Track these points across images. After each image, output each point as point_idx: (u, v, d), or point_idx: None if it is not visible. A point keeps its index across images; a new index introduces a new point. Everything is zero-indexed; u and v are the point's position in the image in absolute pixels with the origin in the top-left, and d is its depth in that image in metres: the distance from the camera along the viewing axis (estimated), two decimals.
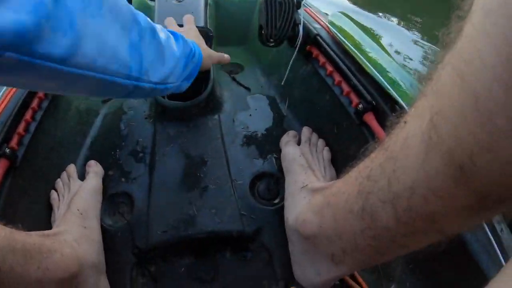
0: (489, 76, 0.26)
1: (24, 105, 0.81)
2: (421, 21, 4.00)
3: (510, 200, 0.31)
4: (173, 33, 0.64)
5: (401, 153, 0.36)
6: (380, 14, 4.19)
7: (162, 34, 0.57)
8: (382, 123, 0.71)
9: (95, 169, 0.83)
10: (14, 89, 0.81)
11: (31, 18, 0.30)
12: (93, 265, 0.63)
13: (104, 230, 0.74)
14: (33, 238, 0.54)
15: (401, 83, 0.72)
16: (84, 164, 0.87)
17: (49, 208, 0.79)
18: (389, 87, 0.70)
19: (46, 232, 0.63)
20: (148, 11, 1.33)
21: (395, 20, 4.09)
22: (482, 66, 0.26)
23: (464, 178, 0.30)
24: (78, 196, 0.75)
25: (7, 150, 0.72)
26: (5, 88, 0.80)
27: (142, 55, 0.49)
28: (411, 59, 3.00)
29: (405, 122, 0.38)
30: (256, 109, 1.03)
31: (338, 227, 0.50)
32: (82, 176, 0.84)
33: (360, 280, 0.66)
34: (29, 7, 0.29)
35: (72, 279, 0.57)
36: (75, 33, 0.35)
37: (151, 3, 1.33)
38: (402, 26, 3.93)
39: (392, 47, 3.09)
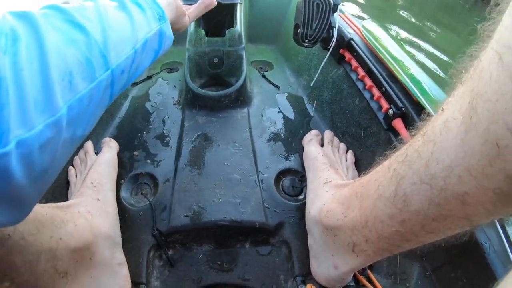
0: None
1: None
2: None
3: None
4: None
5: (440, 136, 0.38)
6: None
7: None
8: (410, 130, 0.71)
9: (109, 143, 0.85)
10: None
11: None
12: (107, 236, 0.64)
13: (126, 209, 0.75)
14: (46, 209, 0.54)
15: (430, 92, 0.72)
16: None
17: (69, 183, 0.80)
18: (419, 94, 0.71)
19: (60, 204, 0.63)
20: None
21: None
22: None
23: (499, 156, 0.31)
24: (92, 169, 0.76)
25: None
26: None
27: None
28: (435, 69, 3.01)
29: (442, 110, 0.39)
30: (284, 107, 1.04)
31: (364, 215, 0.51)
32: None
33: (377, 283, 0.66)
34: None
35: (86, 249, 0.57)
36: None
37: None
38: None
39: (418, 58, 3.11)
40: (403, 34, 3.90)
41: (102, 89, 0.39)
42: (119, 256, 0.65)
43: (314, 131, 0.91)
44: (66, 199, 0.77)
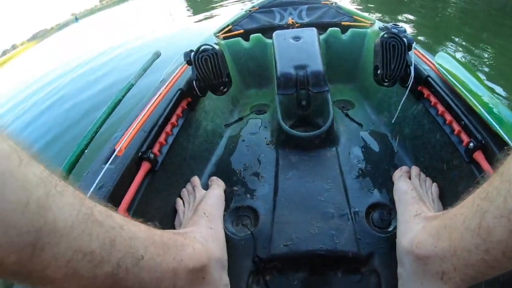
0: None
1: (166, 119, 0.97)
2: None
3: None
4: None
5: None
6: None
7: None
8: (491, 161, 0.75)
9: (218, 182, 0.98)
10: (156, 103, 1.00)
11: None
12: (218, 260, 0.70)
13: (228, 238, 0.82)
14: (169, 234, 0.60)
15: (508, 122, 0.75)
16: (208, 178, 1.01)
17: (174, 211, 0.91)
18: (497, 126, 0.74)
19: (177, 230, 0.74)
20: (264, 47, 1.52)
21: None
22: None
23: None
24: (204, 202, 0.87)
25: (151, 155, 0.86)
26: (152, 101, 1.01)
27: None
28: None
29: None
30: (369, 144, 1.11)
31: (453, 245, 0.56)
32: (205, 188, 0.97)
33: None
34: None
35: (201, 270, 0.63)
36: None
37: (268, 41, 1.49)
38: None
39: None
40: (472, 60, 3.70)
41: None
42: (225, 278, 0.72)
43: (404, 168, 0.96)
44: (172, 226, 0.89)
